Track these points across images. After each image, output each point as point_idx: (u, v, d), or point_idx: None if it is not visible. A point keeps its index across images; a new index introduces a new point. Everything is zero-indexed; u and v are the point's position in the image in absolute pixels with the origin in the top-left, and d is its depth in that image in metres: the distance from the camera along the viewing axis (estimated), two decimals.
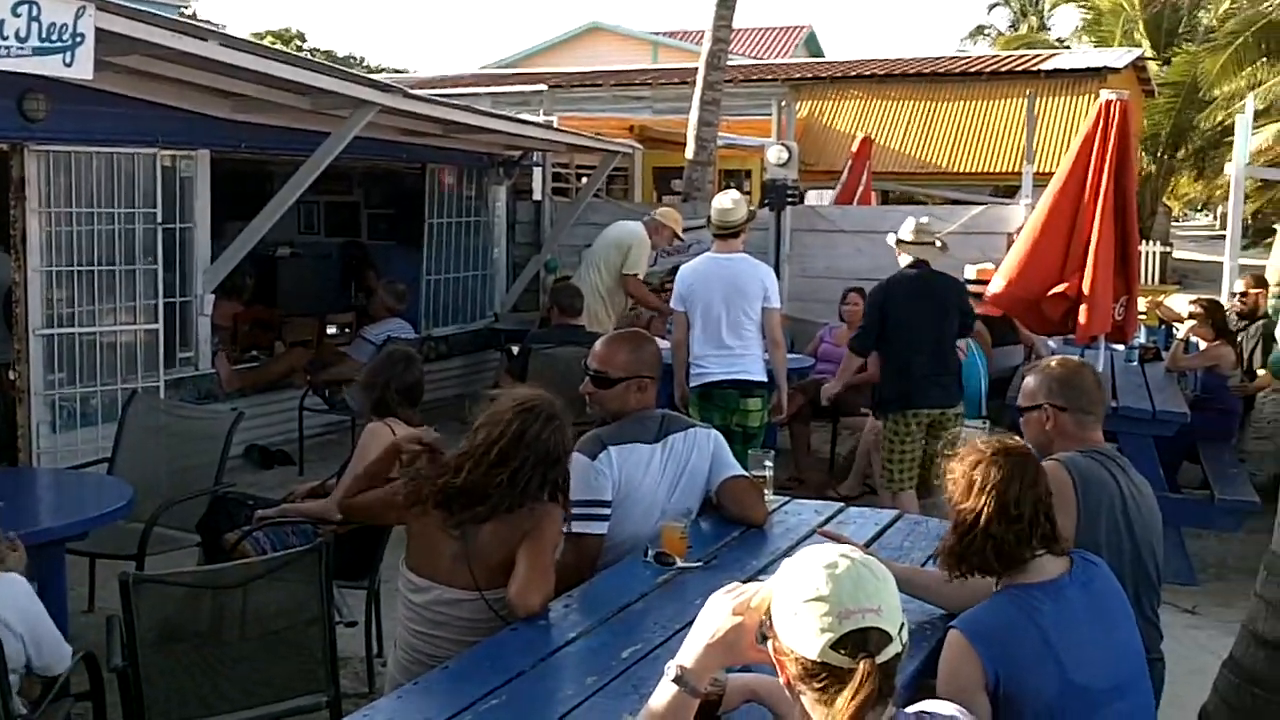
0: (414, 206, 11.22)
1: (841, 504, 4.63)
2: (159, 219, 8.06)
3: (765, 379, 6.85)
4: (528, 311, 12.14)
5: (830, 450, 9.21)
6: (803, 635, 2.02)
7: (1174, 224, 38.39)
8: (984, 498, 2.95)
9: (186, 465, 5.88)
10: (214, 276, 8.57)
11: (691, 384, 6.85)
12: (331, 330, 11.01)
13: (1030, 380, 3.93)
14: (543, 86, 16.51)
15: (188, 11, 21.75)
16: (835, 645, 1.99)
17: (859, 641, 2.00)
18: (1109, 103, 7.66)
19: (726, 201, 6.99)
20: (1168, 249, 25.78)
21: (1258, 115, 21.34)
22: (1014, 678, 2.77)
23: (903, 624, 2.06)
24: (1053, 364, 4.02)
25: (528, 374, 7.60)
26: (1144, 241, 22.26)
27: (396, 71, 37.38)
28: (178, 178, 8.34)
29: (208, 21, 18.53)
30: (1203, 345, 8.56)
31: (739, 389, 6.75)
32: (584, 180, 14.00)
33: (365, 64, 42.63)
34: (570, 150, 13.36)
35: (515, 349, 8.70)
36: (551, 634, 3.14)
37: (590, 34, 34.20)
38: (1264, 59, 21.79)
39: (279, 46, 22.99)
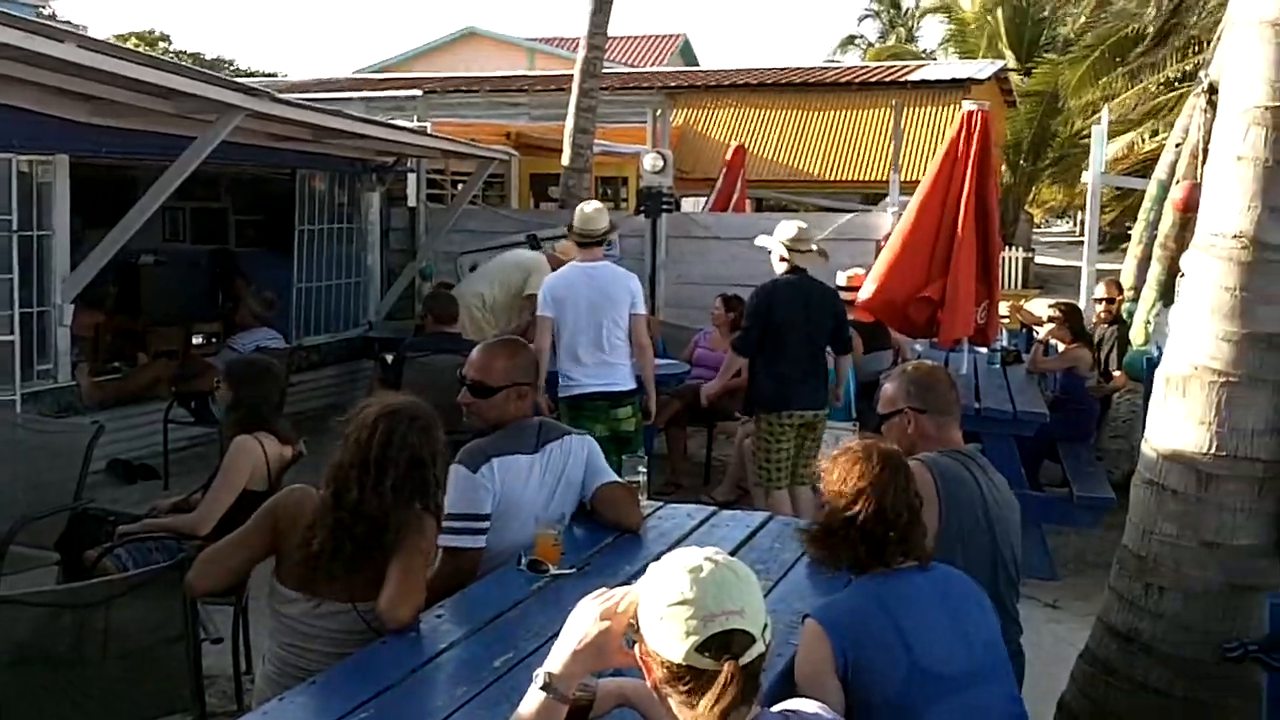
0: (284, 213, 11.02)
1: (715, 508, 4.67)
2: (14, 226, 7.78)
3: (634, 386, 6.87)
4: (403, 319, 12.02)
5: (706, 455, 9.29)
6: (668, 639, 2.05)
7: (1035, 230, 39.56)
8: (862, 499, 3.07)
9: (44, 481, 5.68)
10: (74, 286, 8.30)
11: (561, 394, 6.85)
12: (198, 340, 10.76)
13: (889, 386, 4.04)
14: (418, 92, 16.37)
15: (46, 12, 21.10)
16: (700, 648, 2.03)
17: (723, 643, 2.03)
18: (971, 113, 7.89)
19: (589, 210, 7.01)
20: (1030, 254, 26.52)
21: (1112, 125, 22.13)
22: (864, 662, 2.86)
23: (766, 624, 2.10)
24: (909, 369, 4.14)
25: (402, 383, 7.51)
26: (1006, 247, 22.89)
27: (268, 75, 36.71)
28: (34, 184, 8.06)
29: (67, 22, 18.00)
30: (1061, 348, 8.84)
31: (608, 400, 6.76)
32: (460, 186, 13.91)
33: (235, 67, 41.72)
34: (445, 156, 13.26)
35: (389, 357, 8.59)
36: (423, 645, 3.12)
37: (466, 39, 33.99)
38: (1119, 71, 22.53)
39: (143, 48, 22.40)
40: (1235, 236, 3.99)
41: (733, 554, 3.85)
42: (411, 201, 13.19)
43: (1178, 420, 4.13)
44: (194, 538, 4.77)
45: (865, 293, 7.96)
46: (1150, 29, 20.55)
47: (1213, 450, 4.01)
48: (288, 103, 9.08)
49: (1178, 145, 10.47)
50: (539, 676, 2.27)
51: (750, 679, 2.07)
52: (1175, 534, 4.11)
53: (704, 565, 2.09)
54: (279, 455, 5.02)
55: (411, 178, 13.11)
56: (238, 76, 22.66)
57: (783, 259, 6.94)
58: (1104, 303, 9.53)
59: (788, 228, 7.03)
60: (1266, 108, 3.95)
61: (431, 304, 8.49)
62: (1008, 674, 3.11)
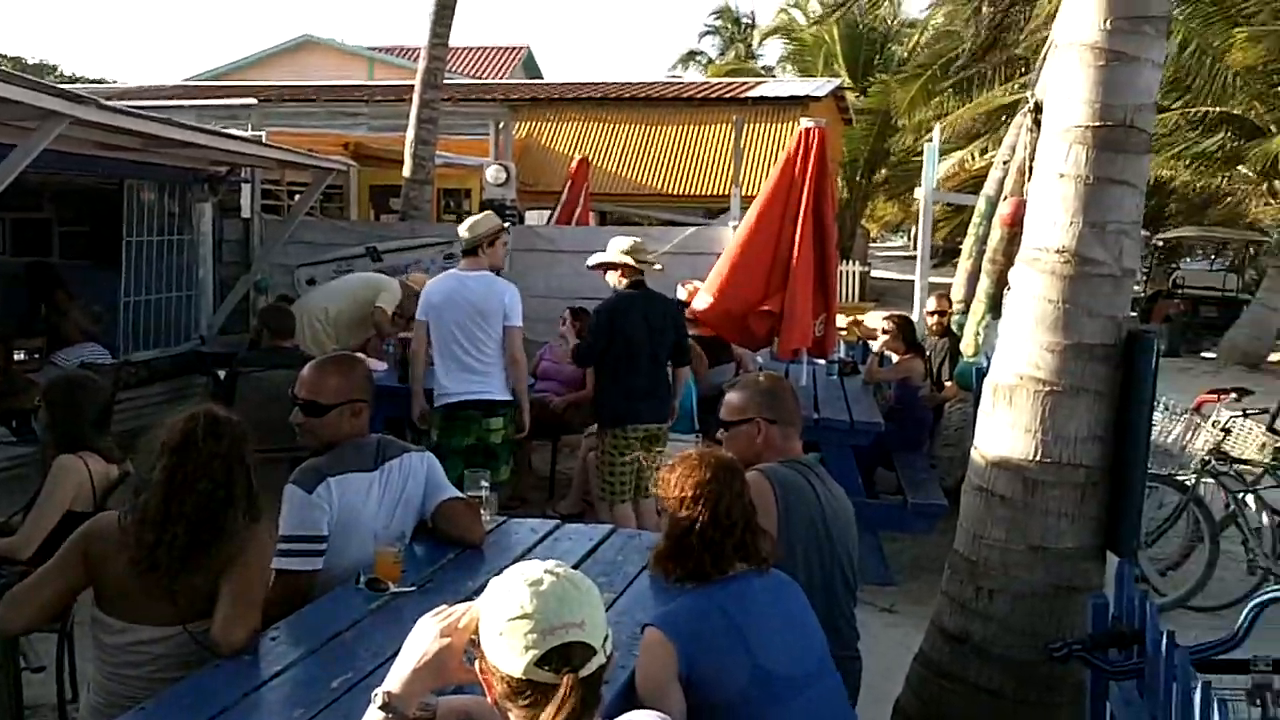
0: (111, 224, 10.62)
1: (558, 521, 4.66)
2: None
3: (508, 398, 6.83)
4: (236, 334, 11.70)
5: (550, 468, 9.27)
6: (507, 654, 2.04)
7: (872, 245, 40.61)
8: (699, 506, 3.11)
9: None
10: None
11: (435, 403, 6.78)
12: (19, 356, 10.28)
13: (737, 395, 4.07)
14: (252, 100, 15.98)
15: None
16: (539, 662, 2.02)
17: (563, 656, 2.03)
18: (808, 130, 8.05)
19: (473, 219, 6.98)
20: (866, 268, 27.21)
21: (944, 143, 22.86)
22: (706, 666, 2.89)
23: (607, 636, 2.10)
24: (760, 379, 4.19)
25: (236, 399, 7.32)
26: (844, 261, 23.45)
27: (95, 81, 35.42)
28: None
29: None
30: (895, 359, 9.07)
31: (481, 409, 6.70)
32: (296, 198, 13.62)
33: (59, 73, 40.17)
34: (281, 167, 12.97)
35: (222, 373, 8.35)
36: (258, 667, 3.03)
37: (303, 47, 33.35)
38: (950, 91, 23.30)
39: None
40: (1058, 251, 4.15)
41: (576, 567, 3.88)
42: (246, 213, 12.84)
43: (1005, 428, 4.27)
44: (16, 562, 4.55)
45: (701, 304, 8.04)
46: (978, 51, 21.32)
47: (1038, 457, 4.16)
48: (115, 110, 8.75)
49: (1005, 163, 10.82)
50: (377, 696, 2.23)
51: (591, 691, 2.07)
52: (1004, 538, 4.25)
53: (544, 579, 2.08)
54: (104, 475, 4.83)
55: (246, 188, 12.77)
56: (62, 83, 21.81)
57: (624, 270, 6.95)
58: (935, 315, 9.81)
59: (622, 241, 7.06)
60: (1087, 127, 4.12)
61: (267, 318, 8.28)
62: (836, 676, 3.18)
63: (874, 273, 29.41)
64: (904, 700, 4.54)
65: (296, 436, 3.94)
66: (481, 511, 4.23)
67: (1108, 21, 4.07)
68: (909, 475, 8.00)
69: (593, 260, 7.19)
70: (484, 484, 4.38)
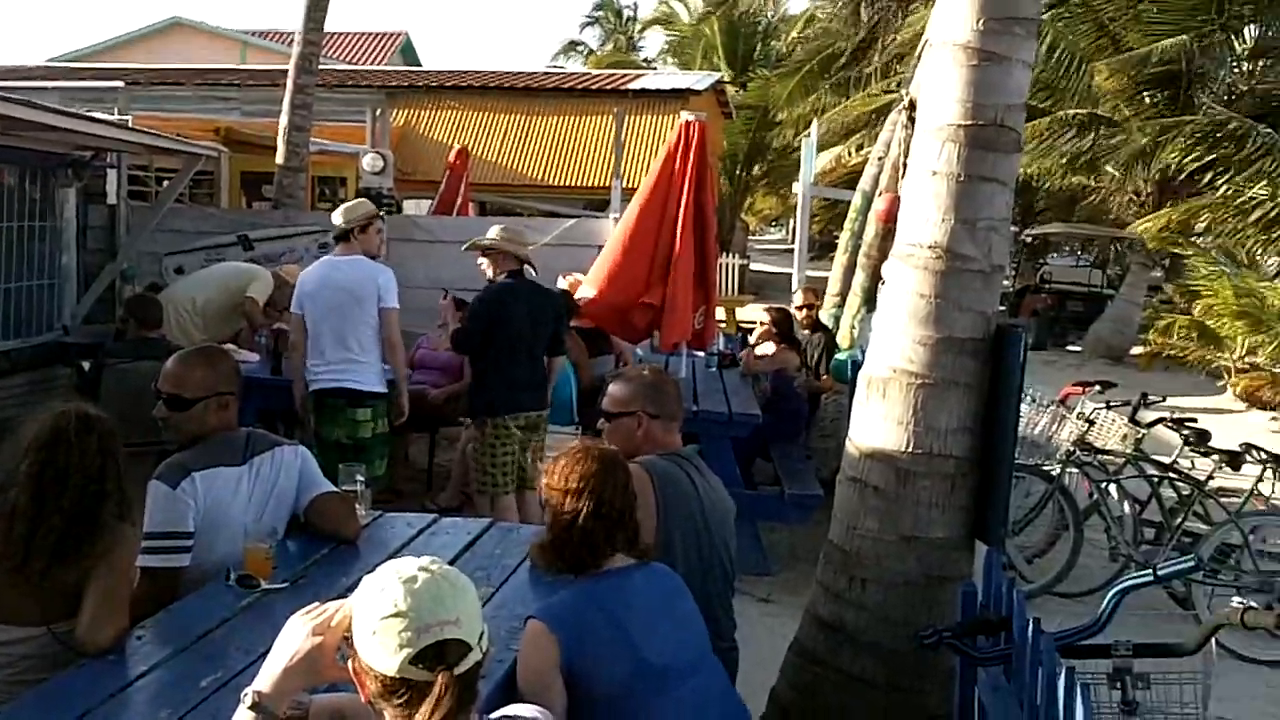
0: None
1: (436, 515, 4.61)
2: None
3: (380, 389, 6.73)
4: (102, 323, 11.34)
5: (428, 461, 9.18)
6: (381, 652, 2.01)
7: (751, 238, 40.96)
8: (582, 499, 3.12)
9: None
10: None
11: (310, 388, 6.67)
12: None
13: (620, 388, 4.09)
14: (119, 83, 15.50)
15: None
16: (414, 660, 2.00)
17: (438, 654, 2.01)
18: (688, 123, 8.09)
19: (347, 204, 6.93)
20: (745, 261, 27.43)
21: (822, 138, 23.18)
22: (588, 658, 2.90)
23: (483, 632, 2.09)
24: (644, 372, 4.21)
25: (102, 391, 7.10)
26: (723, 254, 23.60)
27: None
28: None
29: None
30: (772, 350, 9.17)
31: (346, 398, 6.61)
32: (165, 184, 13.25)
33: None
34: (149, 152, 12.59)
35: (87, 364, 8.09)
36: (124, 667, 2.96)
37: (172, 29, 32.44)
38: (827, 87, 23.65)
39: None
40: (930, 247, 4.23)
41: (454, 561, 3.88)
42: (112, 199, 12.45)
43: (878, 420, 4.34)
44: None
45: (584, 297, 8.03)
46: (857, 51, 21.71)
47: (910, 448, 4.24)
48: None
49: (880, 159, 11.00)
50: (247, 696, 2.19)
51: (467, 688, 2.06)
52: (877, 529, 4.32)
53: (418, 576, 2.06)
54: None
55: (112, 174, 12.38)
56: None
57: (498, 258, 6.89)
58: (803, 309, 9.90)
59: (499, 230, 7.04)
60: (959, 126, 4.21)
61: (133, 307, 8.04)
62: (717, 666, 3.21)
63: (753, 266, 29.69)
64: (779, 689, 4.59)
65: (162, 431, 3.85)
66: (356, 506, 4.18)
67: (980, 22, 4.16)
68: (786, 466, 8.09)
69: (477, 241, 7.14)
70: (359, 478, 4.33)
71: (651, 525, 3.65)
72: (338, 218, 6.80)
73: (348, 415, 6.64)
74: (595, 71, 25.46)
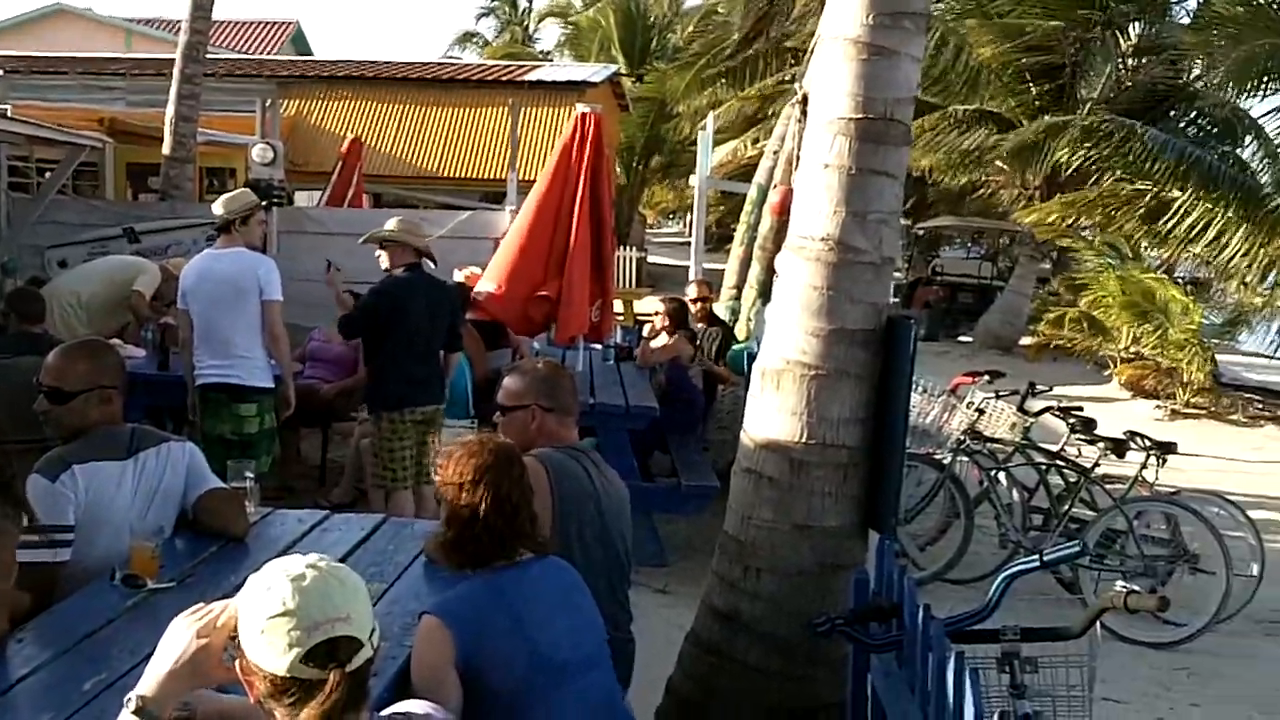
0: None
1: (327, 511, 4.55)
2: None
3: (266, 384, 6.62)
4: None
5: (321, 456, 9.04)
6: (270, 652, 1.98)
7: (649, 231, 41.10)
8: (479, 492, 3.09)
9: None
10: None
11: (195, 385, 6.55)
12: None
13: (514, 381, 4.06)
14: None
15: None
16: (305, 658, 1.97)
17: (329, 651, 1.98)
18: (584, 115, 8.07)
19: (227, 195, 6.81)
20: (643, 254, 27.47)
21: (719, 132, 23.30)
22: (484, 653, 2.88)
23: (374, 629, 2.07)
24: (538, 365, 4.19)
25: None
26: (621, 247, 23.62)
27: None
28: None
29: None
30: (666, 339, 9.20)
31: (230, 393, 6.50)
32: (47, 175, 12.88)
33: None
34: (29, 142, 12.25)
35: None
36: (5, 669, 2.87)
37: (54, 16, 31.49)
38: (723, 80, 23.76)
39: None
40: (823, 239, 4.27)
41: (346, 558, 3.84)
42: None
43: (772, 411, 4.38)
44: None
45: (483, 291, 7.99)
46: (747, 39, 21.84)
47: (803, 439, 4.28)
48: None
49: (775, 152, 11.07)
50: (131, 700, 2.14)
51: (358, 685, 2.03)
52: (771, 518, 4.36)
53: (306, 573, 2.02)
54: None
55: None
56: None
57: (396, 251, 6.82)
58: (697, 302, 9.92)
59: (397, 222, 6.97)
60: (850, 119, 4.25)
61: (14, 302, 7.79)
62: (609, 661, 3.21)
63: (651, 258, 29.72)
64: (675, 680, 4.61)
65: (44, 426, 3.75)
66: (246, 503, 4.11)
67: (870, 17, 4.20)
68: (683, 457, 8.13)
69: (374, 234, 7.05)
70: (248, 475, 4.25)
71: (548, 518, 3.64)
72: (218, 209, 6.68)
73: (232, 411, 6.53)
74: (491, 63, 25.27)
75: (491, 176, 18.19)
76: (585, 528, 3.82)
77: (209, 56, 13.07)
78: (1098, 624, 3.54)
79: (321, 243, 11.64)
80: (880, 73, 4.23)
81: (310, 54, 32.71)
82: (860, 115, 4.22)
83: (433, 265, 7.04)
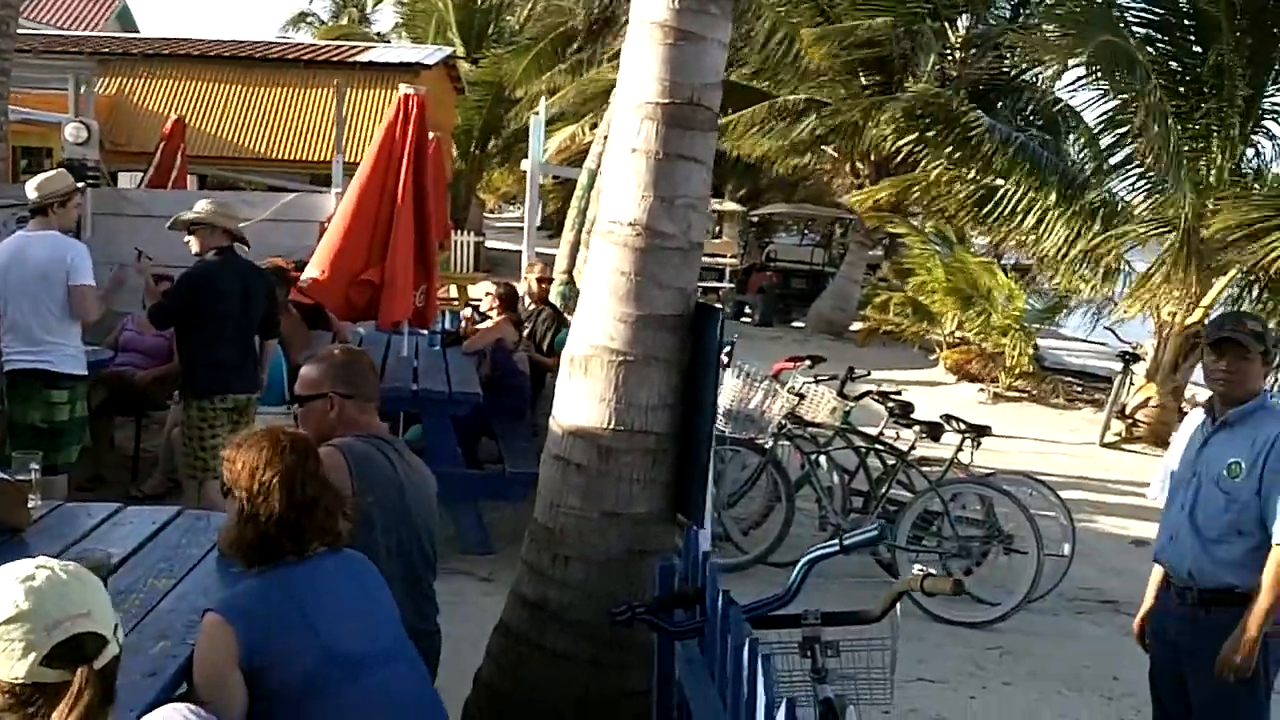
0: None
1: (119, 505, 4.36)
2: None
3: (79, 371, 6.42)
4: None
5: (135, 446, 8.71)
6: (5, 659, 1.86)
7: (488, 215, 40.78)
8: (270, 486, 2.99)
9: None
10: None
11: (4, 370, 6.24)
12: None
13: (311, 369, 3.95)
14: None
15: None
16: (46, 660, 1.86)
17: (73, 650, 1.88)
18: (407, 97, 7.93)
19: (43, 176, 6.55)
20: (481, 239, 27.24)
21: (557, 117, 23.23)
22: (271, 650, 2.81)
23: (116, 624, 1.97)
24: (335, 352, 4.08)
25: None
26: (459, 232, 23.39)
27: None
28: None
29: None
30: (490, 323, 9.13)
31: (41, 380, 6.26)
32: None
33: None
34: None
35: None
36: None
37: None
38: (561, 65, 23.70)
39: None
40: (630, 224, 4.25)
41: (137, 551, 3.69)
42: None
43: (581, 398, 4.35)
44: None
45: (310, 274, 7.80)
46: (590, 29, 21.81)
47: (612, 425, 4.26)
48: None
49: (605, 137, 11.07)
50: None
51: (106, 684, 1.93)
52: (579, 506, 4.33)
53: (36, 573, 1.91)
54: None
55: None
56: None
57: (205, 234, 6.61)
58: (541, 282, 9.86)
59: (208, 204, 6.75)
60: (657, 104, 4.24)
61: None
62: (413, 652, 3.14)
63: (489, 243, 29.50)
64: (484, 670, 4.55)
65: None
66: (30, 496, 3.91)
67: (676, 1, 4.19)
68: (509, 444, 8.06)
69: (181, 217, 6.81)
70: (33, 467, 4.06)
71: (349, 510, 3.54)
72: (31, 191, 6.42)
73: (43, 397, 6.30)
74: (322, 43, 24.77)
75: (321, 159, 17.77)
76: (387, 518, 3.74)
77: (24, 31, 12.47)
78: (897, 607, 3.59)
79: (140, 225, 11.22)
80: (687, 58, 4.22)
81: (136, 31, 31.55)
82: (667, 100, 4.21)
83: (247, 249, 6.84)
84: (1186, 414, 5.20)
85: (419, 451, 7.51)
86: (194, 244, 6.65)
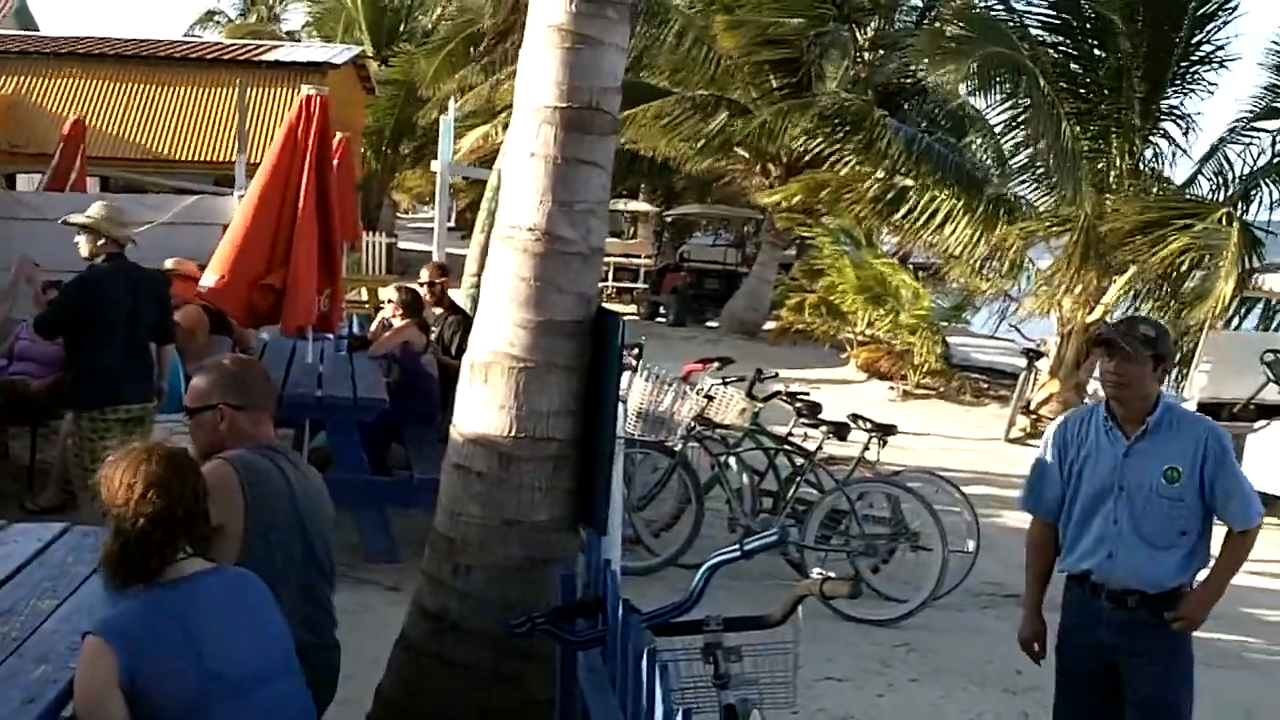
0: None
1: (3, 522, 4.22)
2: None
3: None
4: None
5: (30, 457, 8.47)
6: None
7: (401, 216, 40.43)
8: (148, 503, 2.91)
9: None
10: None
11: None
12: None
13: (200, 380, 3.85)
14: None
15: None
16: None
17: None
18: (309, 98, 7.81)
19: None
20: (393, 240, 26.97)
21: (469, 116, 23.04)
22: (151, 672, 2.75)
23: None
24: (225, 362, 3.99)
25: None
26: (370, 233, 23.13)
27: None
28: None
29: None
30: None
31: None
32: None
33: None
34: None
35: None
36: None
37: None
38: (473, 64, 23.48)
39: None
40: (530, 229, 4.22)
41: (20, 571, 3.57)
42: None
43: (481, 405, 4.31)
44: None
45: (209, 280, 7.64)
46: (500, 29, 21.63)
47: (513, 433, 4.23)
48: None
49: None
50: None
51: None
52: (480, 514, 4.29)
53: None
54: None
55: None
56: None
57: (94, 238, 6.46)
58: (428, 286, 9.70)
59: (99, 207, 6.58)
60: (556, 108, 4.21)
61: None
62: (297, 671, 3.09)
63: (402, 244, 29.20)
64: (385, 684, 4.49)
65: None
66: None
67: (573, 4, 4.16)
68: (418, 450, 7.97)
69: (70, 219, 6.64)
70: None
71: (238, 524, 3.47)
72: None
73: None
74: (228, 41, 24.37)
75: (226, 160, 17.46)
76: (280, 531, 3.65)
77: None
78: (799, 610, 3.58)
79: (36, 229, 10.93)
80: (585, 61, 4.19)
81: (35, 29, 30.76)
82: (566, 104, 4.18)
83: (134, 245, 6.69)
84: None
85: (325, 458, 7.48)
86: (83, 247, 6.49)
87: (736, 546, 3.72)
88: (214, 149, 18.31)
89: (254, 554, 3.40)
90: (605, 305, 4.53)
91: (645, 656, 2.99)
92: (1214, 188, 14.37)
